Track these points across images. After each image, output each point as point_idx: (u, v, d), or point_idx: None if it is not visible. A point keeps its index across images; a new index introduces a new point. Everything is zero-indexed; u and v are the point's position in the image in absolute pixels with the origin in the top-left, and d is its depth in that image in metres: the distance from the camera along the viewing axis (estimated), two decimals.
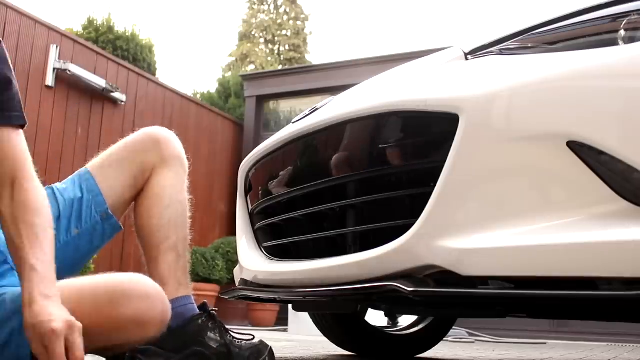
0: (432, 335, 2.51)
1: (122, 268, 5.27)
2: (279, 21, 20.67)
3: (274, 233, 1.80)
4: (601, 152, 1.04)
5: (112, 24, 6.61)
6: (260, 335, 3.71)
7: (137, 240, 1.44)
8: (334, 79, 6.54)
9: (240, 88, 7.61)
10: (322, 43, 37.32)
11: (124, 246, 5.23)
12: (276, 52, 20.44)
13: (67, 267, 1.41)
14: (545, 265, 1.07)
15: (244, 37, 20.34)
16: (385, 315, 2.41)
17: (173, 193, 1.43)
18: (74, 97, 5.03)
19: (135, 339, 1.17)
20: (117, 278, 1.19)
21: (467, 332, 4.42)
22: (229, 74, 9.84)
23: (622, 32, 1.14)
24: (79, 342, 1.03)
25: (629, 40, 1.13)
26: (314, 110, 1.71)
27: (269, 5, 21.01)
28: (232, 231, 6.04)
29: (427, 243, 1.19)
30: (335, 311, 2.20)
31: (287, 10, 20.84)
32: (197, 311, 1.34)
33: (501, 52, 1.30)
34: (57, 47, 4.83)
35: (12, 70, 1.29)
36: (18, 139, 1.21)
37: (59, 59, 4.83)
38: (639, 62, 1.08)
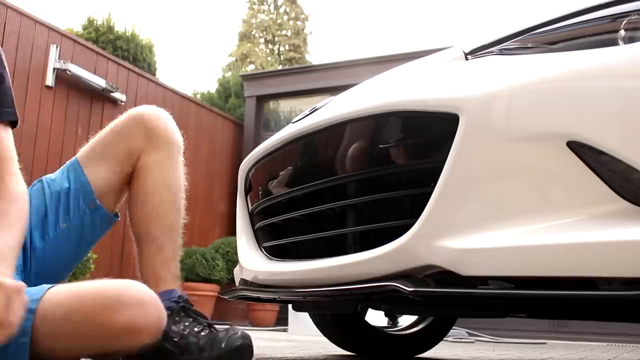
0: (432, 335, 2.51)
1: (122, 267, 5.27)
2: (279, 21, 20.67)
3: (274, 233, 1.80)
4: (601, 152, 1.04)
5: (112, 24, 6.61)
6: (260, 335, 3.68)
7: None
8: (334, 79, 6.54)
9: (240, 88, 7.61)
10: (322, 43, 37.34)
11: (124, 245, 5.23)
12: (276, 52, 20.45)
13: (61, 262, 1.40)
14: (545, 265, 1.07)
15: (244, 37, 20.35)
16: (385, 315, 2.40)
17: (159, 178, 1.36)
18: (74, 97, 5.03)
19: (130, 346, 1.14)
20: (112, 284, 1.17)
21: (467, 332, 4.42)
22: (229, 74, 9.85)
23: (622, 32, 1.14)
24: (16, 306, 1.02)
25: (629, 40, 1.13)
26: (314, 110, 1.71)
27: (269, 5, 21.02)
28: (232, 231, 6.04)
29: (427, 243, 1.19)
30: (335, 311, 2.20)
31: (287, 10, 20.85)
32: (170, 305, 1.29)
33: (501, 52, 1.30)
34: (57, 47, 4.83)
35: (6, 67, 1.28)
36: (6, 136, 1.21)
37: (59, 59, 4.83)
38: (639, 62, 1.08)
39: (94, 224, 1.39)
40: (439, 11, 35.92)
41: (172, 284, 1.34)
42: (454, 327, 2.94)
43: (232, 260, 5.60)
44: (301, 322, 4.30)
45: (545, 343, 4.31)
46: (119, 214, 1.47)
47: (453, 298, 1.40)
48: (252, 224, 1.94)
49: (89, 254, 3.69)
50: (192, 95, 7.38)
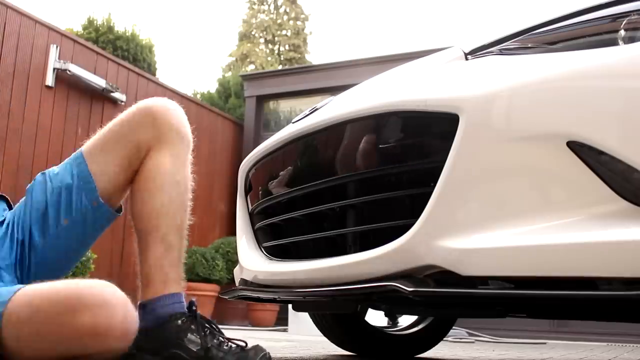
0: (432, 335, 2.51)
1: (122, 267, 5.27)
2: (279, 21, 20.67)
3: (274, 233, 1.80)
4: (601, 152, 1.04)
5: (112, 24, 6.61)
6: (260, 335, 3.68)
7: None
8: (334, 79, 6.54)
9: (240, 88, 7.61)
10: (322, 43, 37.33)
11: (124, 245, 5.23)
12: (276, 52, 20.45)
13: (61, 258, 1.37)
14: (545, 265, 1.07)
15: (244, 37, 20.34)
16: (385, 315, 2.40)
17: (167, 175, 1.30)
18: (74, 97, 5.03)
19: (97, 350, 1.09)
20: (77, 284, 1.12)
21: (467, 332, 4.42)
22: (229, 74, 9.85)
23: (622, 32, 1.14)
24: None
25: (629, 40, 1.13)
26: (314, 110, 1.71)
27: (269, 5, 21.02)
28: (232, 231, 6.04)
29: (427, 243, 1.19)
30: (335, 311, 2.20)
31: (287, 10, 20.85)
32: (181, 310, 1.24)
33: (501, 52, 1.30)
34: (57, 47, 4.83)
35: None
36: None
37: (59, 59, 4.83)
38: (639, 62, 1.08)
39: (96, 221, 1.34)
40: (439, 11, 35.94)
41: (178, 287, 1.28)
42: (454, 327, 2.94)
43: (232, 260, 5.61)
44: (301, 322, 4.30)
45: (545, 343, 4.31)
46: (122, 207, 1.42)
47: (453, 298, 1.40)
48: (252, 224, 1.94)
49: (89, 254, 3.69)
50: (192, 95, 7.38)
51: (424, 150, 1.31)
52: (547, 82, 1.13)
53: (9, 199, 1.46)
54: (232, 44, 25.29)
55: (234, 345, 1.23)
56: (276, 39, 20.51)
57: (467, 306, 1.77)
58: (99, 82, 5.14)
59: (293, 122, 1.77)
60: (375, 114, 1.38)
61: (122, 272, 5.23)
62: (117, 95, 5.34)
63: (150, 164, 1.31)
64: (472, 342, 4.13)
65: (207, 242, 5.98)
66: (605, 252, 1.02)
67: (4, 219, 1.36)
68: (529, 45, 1.28)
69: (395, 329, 2.46)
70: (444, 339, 2.69)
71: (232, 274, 2.11)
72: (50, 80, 4.78)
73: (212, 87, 8.51)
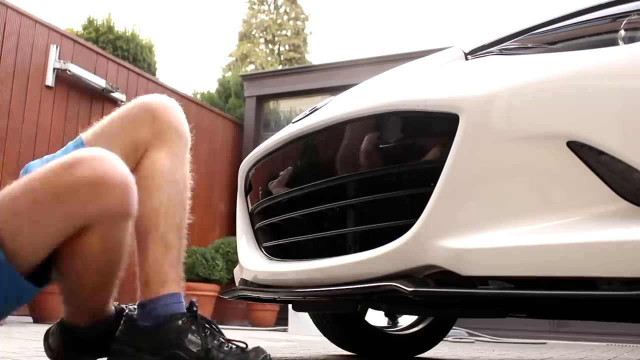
0: (432, 335, 2.51)
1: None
2: (279, 21, 20.68)
3: (274, 233, 1.80)
4: (601, 152, 1.04)
5: (112, 24, 6.62)
6: (260, 335, 3.68)
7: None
8: (334, 79, 6.54)
9: (240, 88, 7.61)
10: (322, 43, 37.34)
11: None
12: (276, 52, 20.45)
13: None
14: (545, 265, 1.07)
15: (244, 37, 20.35)
16: (385, 315, 2.40)
17: (166, 173, 1.29)
18: (74, 97, 5.03)
19: (97, 209, 1.05)
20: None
21: (467, 332, 4.42)
22: (229, 74, 9.85)
23: (622, 32, 1.14)
24: None
25: (629, 40, 1.13)
26: (314, 110, 1.71)
27: (269, 5, 21.02)
28: (232, 231, 6.04)
29: (427, 243, 1.18)
30: (335, 311, 2.20)
31: (287, 10, 20.85)
32: (181, 310, 1.23)
33: (501, 52, 1.30)
34: (57, 47, 4.83)
35: None
36: None
37: (59, 59, 4.83)
38: (639, 62, 1.08)
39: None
40: (439, 11, 35.94)
41: (178, 287, 1.27)
42: (454, 327, 2.94)
43: (232, 260, 5.60)
44: (301, 322, 4.29)
45: (545, 343, 4.31)
46: None
47: (453, 298, 1.40)
48: (252, 224, 1.94)
49: None
50: (192, 95, 7.38)
51: (424, 150, 1.31)
52: (547, 82, 1.13)
53: None
54: (232, 44, 25.29)
55: (234, 347, 1.22)
56: (276, 39, 20.52)
57: (467, 306, 1.77)
58: (99, 82, 5.14)
59: (293, 122, 1.77)
60: (375, 114, 1.38)
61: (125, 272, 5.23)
62: (117, 95, 5.34)
63: (148, 162, 1.29)
64: (472, 342, 4.13)
65: (207, 242, 5.98)
66: (605, 252, 1.02)
67: None
68: (529, 45, 1.28)
69: (395, 329, 2.46)
70: (444, 339, 2.69)
71: (232, 274, 2.11)
72: (50, 80, 4.78)
73: (212, 87, 8.51)
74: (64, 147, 1.35)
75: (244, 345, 1.23)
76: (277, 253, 1.78)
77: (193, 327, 1.21)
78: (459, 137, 1.16)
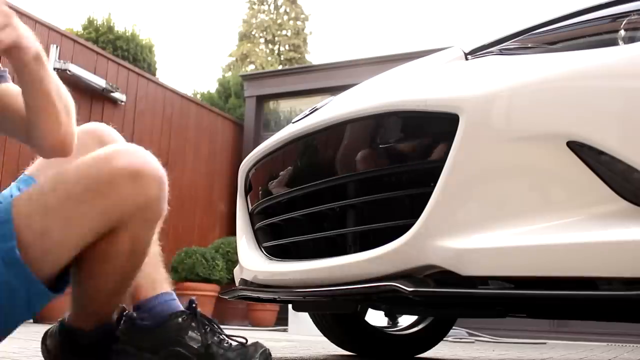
0: (432, 335, 2.51)
1: None
2: (279, 21, 20.67)
3: (274, 233, 1.80)
4: (601, 152, 1.04)
5: (112, 24, 6.61)
6: (260, 335, 3.68)
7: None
8: (334, 79, 6.53)
9: (240, 88, 7.61)
10: (322, 43, 37.34)
11: None
12: (276, 52, 20.45)
13: None
14: (545, 265, 1.07)
15: (244, 37, 20.34)
16: (385, 315, 2.40)
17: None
18: (74, 97, 4.96)
19: (135, 200, 1.01)
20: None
21: (467, 332, 4.41)
22: (229, 74, 9.85)
23: (622, 32, 1.14)
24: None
25: (629, 40, 1.13)
26: (314, 110, 1.71)
27: (269, 5, 21.02)
28: (232, 231, 6.03)
29: (427, 243, 1.18)
30: (335, 311, 2.20)
31: (287, 10, 20.85)
32: (179, 308, 1.24)
33: (501, 52, 1.30)
34: (57, 47, 4.83)
35: None
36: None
37: (59, 59, 4.83)
38: (639, 62, 1.08)
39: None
40: (439, 11, 35.94)
41: (168, 286, 1.27)
42: (454, 327, 2.94)
43: (232, 260, 5.60)
44: (301, 322, 4.29)
45: (545, 343, 4.30)
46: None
47: (453, 298, 1.40)
48: (252, 224, 1.94)
49: None
50: (192, 95, 7.38)
51: (424, 150, 1.31)
52: (547, 82, 1.13)
53: None
54: (232, 44, 25.29)
55: (234, 343, 1.23)
56: (276, 39, 20.51)
57: (467, 306, 1.77)
58: (99, 82, 5.14)
59: (293, 122, 1.77)
60: (375, 114, 1.38)
61: None
62: (117, 95, 5.34)
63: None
64: (472, 342, 4.13)
65: (207, 242, 5.98)
66: (605, 252, 1.02)
67: None
68: (529, 45, 1.28)
69: (395, 329, 2.46)
70: (444, 339, 2.69)
71: (232, 274, 2.11)
72: None
73: (212, 87, 8.51)
74: (9, 187, 1.25)
75: (243, 341, 1.23)
76: (277, 253, 1.78)
77: (193, 324, 1.22)
78: (459, 137, 1.16)
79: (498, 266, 1.11)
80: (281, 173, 1.73)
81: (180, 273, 5.28)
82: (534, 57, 1.22)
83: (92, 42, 5.98)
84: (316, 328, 2.36)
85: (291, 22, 20.76)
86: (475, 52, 1.36)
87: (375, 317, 2.38)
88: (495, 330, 4.71)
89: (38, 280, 1.01)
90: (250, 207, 1.96)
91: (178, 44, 34.88)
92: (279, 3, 20.88)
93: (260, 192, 1.86)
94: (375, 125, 1.41)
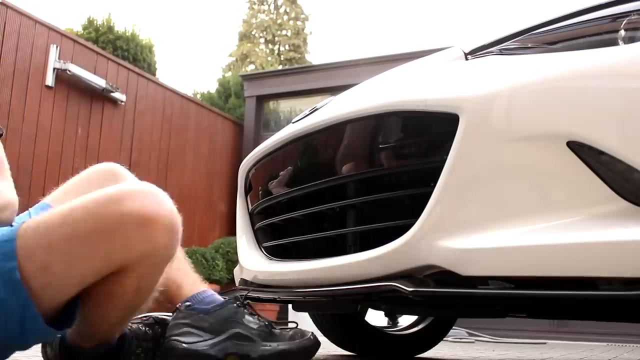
0: (432, 335, 2.51)
1: None
2: (279, 21, 20.67)
3: (274, 233, 1.80)
4: (601, 152, 1.04)
5: (112, 24, 6.61)
6: None
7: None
8: (334, 79, 6.53)
9: (240, 88, 7.61)
10: (322, 43, 37.33)
11: None
12: (276, 52, 20.44)
13: None
14: (545, 265, 1.07)
15: (244, 37, 20.34)
16: (385, 315, 2.40)
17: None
18: (74, 97, 5.03)
19: (141, 247, 0.97)
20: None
21: (467, 332, 4.41)
22: (229, 74, 9.85)
23: (622, 32, 1.14)
24: None
25: (629, 40, 1.13)
26: (314, 110, 1.71)
27: (269, 5, 21.01)
28: (232, 231, 6.03)
29: (427, 243, 1.18)
30: (335, 311, 2.20)
31: (287, 10, 20.85)
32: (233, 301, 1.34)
33: (501, 52, 1.30)
34: (57, 47, 4.83)
35: None
36: None
37: (59, 59, 4.82)
38: (639, 62, 1.08)
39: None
40: (439, 11, 35.93)
41: (206, 286, 1.38)
42: (454, 327, 2.94)
43: (232, 260, 5.60)
44: (301, 322, 4.29)
45: (545, 343, 4.30)
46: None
47: (453, 298, 1.40)
48: (252, 224, 1.94)
49: None
50: (192, 95, 7.38)
51: (424, 150, 1.31)
52: (547, 82, 1.13)
53: None
54: (232, 44, 25.29)
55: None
56: (276, 39, 20.51)
57: (467, 306, 1.77)
58: (99, 82, 5.14)
59: (293, 122, 1.77)
60: (375, 114, 1.38)
61: None
62: (117, 95, 5.34)
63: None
64: (472, 342, 4.13)
65: (207, 242, 5.98)
66: (605, 252, 1.02)
67: None
68: (529, 45, 1.27)
69: (395, 329, 2.46)
70: (444, 339, 2.69)
71: (232, 274, 2.11)
72: (50, 80, 4.78)
73: (212, 87, 8.51)
74: (24, 213, 1.23)
75: (293, 326, 1.38)
76: (277, 253, 1.78)
77: (246, 310, 1.32)
78: (459, 137, 1.16)
79: (498, 266, 1.11)
80: (281, 173, 1.73)
81: None
82: (534, 57, 1.22)
83: (92, 42, 5.98)
84: (316, 328, 2.36)
85: (291, 22, 20.75)
86: (475, 52, 1.36)
87: (375, 317, 2.38)
88: (495, 330, 4.70)
89: (34, 305, 0.98)
90: (250, 207, 1.96)
91: (178, 44, 34.89)
92: (279, 3, 20.88)
93: (260, 192, 1.86)
94: (375, 125, 1.41)
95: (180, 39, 35.69)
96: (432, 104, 1.24)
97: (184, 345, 1.22)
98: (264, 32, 20.45)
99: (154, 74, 6.81)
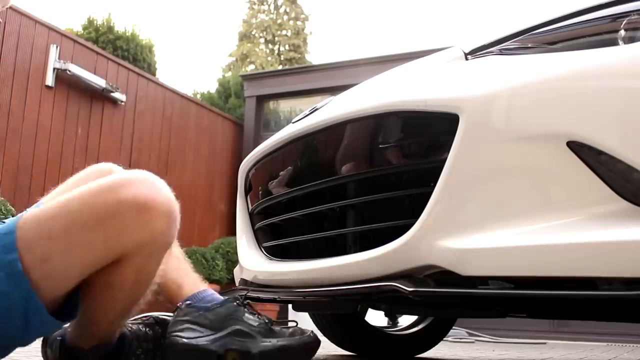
0: (432, 335, 2.51)
1: None
2: (279, 21, 20.67)
3: (274, 233, 1.80)
4: (601, 152, 1.04)
5: (112, 24, 6.61)
6: None
7: None
8: (334, 79, 6.53)
9: (240, 88, 7.61)
10: (322, 43, 37.34)
11: None
12: (276, 52, 20.44)
13: None
14: (545, 265, 1.07)
15: (244, 37, 20.34)
16: (385, 315, 2.40)
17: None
18: (74, 97, 5.03)
19: (138, 235, 0.97)
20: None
21: (467, 332, 4.41)
22: (229, 74, 9.85)
23: (622, 32, 1.14)
24: None
25: (629, 40, 1.13)
26: (314, 110, 1.71)
27: (269, 5, 21.01)
28: (232, 231, 6.03)
29: (427, 243, 1.18)
30: (335, 311, 2.20)
31: (287, 10, 20.84)
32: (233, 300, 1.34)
33: (501, 52, 1.30)
34: (57, 47, 4.83)
35: None
36: None
37: (59, 59, 4.82)
38: (639, 62, 1.08)
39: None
40: (439, 11, 35.93)
41: (206, 286, 1.38)
42: (454, 327, 2.94)
43: (232, 260, 5.60)
44: (301, 322, 4.29)
45: (545, 343, 4.30)
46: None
47: (453, 298, 1.40)
48: (252, 224, 1.94)
49: None
50: (192, 95, 7.38)
51: (424, 150, 1.31)
52: (547, 82, 1.13)
53: None
54: (232, 44, 25.29)
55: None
56: (276, 39, 20.51)
57: (467, 306, 1.77)
58: (99, 82, 5.14)
59: (293, 122, 1.77)
60: (375, 114, 1.38)
61: None
62: (117, 95, 5.34)
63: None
64: (472, 342, 4.13)
65: (207, 242, 5.98)
66: (605, 252, 1.02)
67: None
68: (529, 45, 1.27)
69: (395, 329, 2.46)
70: (444, 339, 2.69)
71: (232, 274, 2.11)
72: (50, 80, 4.78)
73: (212, 87, 8.51)
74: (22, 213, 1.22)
75: (293, 324, 1.38)
76: (277, 253, 1.78)
77: (245, 309, 1.33)
78: (459, 137, 1.16)
79: (498, 266, 1.11)
80: (281, 173, 1.73)
81: None
82: (534, 57, 1.22)
83: (92, 42, 5.98)
84: (316, 328, 2.36)
85: (291, 22, 20.75)
86: (475, 52, 1.36)
87: (375, 317, 2.38)
88: (495, 330, 4.70)
89: (37, 297, 0.99)
90: (250, 207, 1.96)
91: (178, 44, 34.89)
92: (279, 3, 20.88)
93: (260, 192, 1.86)
94: (375, 125, 1.41)
95: (180, 39, 35.71)
96: (432, 104, 1.24)
97: (184, 340, 1.22)
98: (264, 32, 20.45)
99: (154, 74, 6.81)
